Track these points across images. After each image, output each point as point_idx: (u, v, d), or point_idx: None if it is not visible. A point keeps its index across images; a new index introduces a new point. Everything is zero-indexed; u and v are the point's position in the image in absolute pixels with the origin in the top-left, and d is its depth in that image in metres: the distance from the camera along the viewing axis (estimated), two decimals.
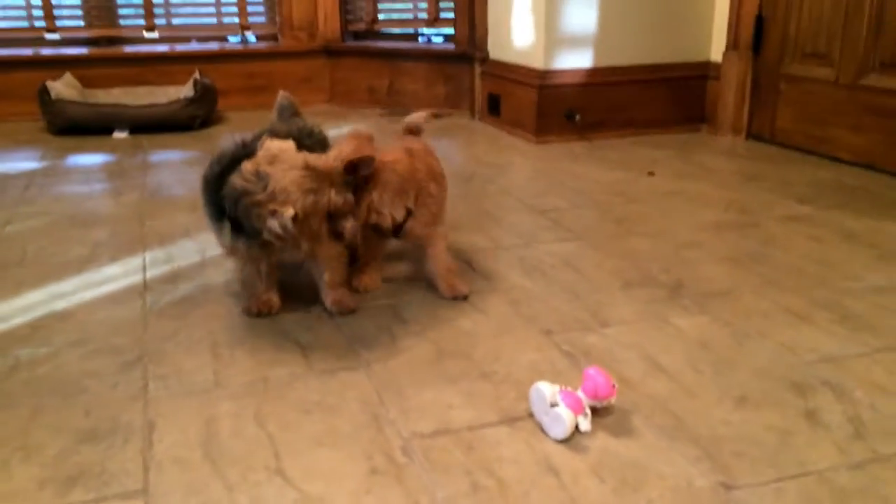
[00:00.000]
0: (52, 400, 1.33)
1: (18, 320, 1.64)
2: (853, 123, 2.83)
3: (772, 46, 3.15)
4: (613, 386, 1.26)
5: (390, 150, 1.65)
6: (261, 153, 1.46)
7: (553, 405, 1.22)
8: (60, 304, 1.72)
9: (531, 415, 1.26)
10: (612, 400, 1.27)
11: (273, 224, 1.39)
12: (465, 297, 1.71)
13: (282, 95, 1.94)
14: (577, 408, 1.22)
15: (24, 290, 1.80)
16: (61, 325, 1.62)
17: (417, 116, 1.91)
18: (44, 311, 1.68)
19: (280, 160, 1.44)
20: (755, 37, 3.19)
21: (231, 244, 1.53)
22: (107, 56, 3.97)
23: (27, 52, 3.89)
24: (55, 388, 1.37)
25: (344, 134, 1.61)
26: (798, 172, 2.78)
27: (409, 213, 1.64)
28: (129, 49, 4.04)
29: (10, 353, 1.50)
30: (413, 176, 1.64)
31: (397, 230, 1.66)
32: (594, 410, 1.25)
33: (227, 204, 1.47)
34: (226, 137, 1.57)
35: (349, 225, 1.51)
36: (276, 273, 1.68)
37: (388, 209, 1.60)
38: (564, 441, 1.20)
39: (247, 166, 1.44)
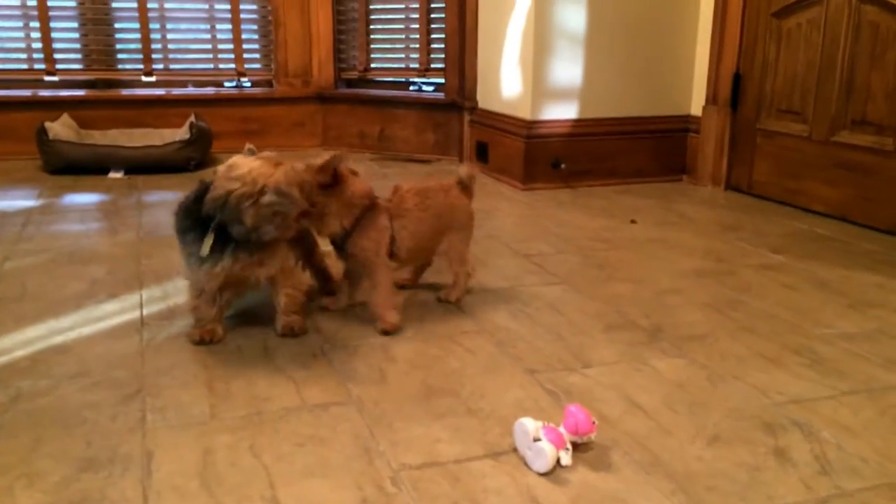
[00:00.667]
0: (53, 430, 1.38)
1: (19, 353, 1.69)
2: (826, 177, 2.95)
3: (749, 102, 3.28)
4: (593, 423, 1.33)
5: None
6: (219, 169, 1.65)
7: (536, 440, 1.28)
8: (60, 339, 1.77)
9: (515, 449, 1.32)
10: (593, 436, 1.33)
11: (269, 199, 1.56)
12: (387, 333, 1.81)
13: (247, 149, 1.93)
14: (558, 443, 1.28)
15: (24, 324, 1.85)
16: (61, 358, 1.67)
17: (468, 171, 2.02)
18: (44, 345, 1.73)
19: (236, 164, 1.63)
20: (733, 93, 3.33)
21: (208, 259, 1.64)
22: (104, 98, 4.06)
23: (26, 93, 3.98)
24: (56, 418, 1.42)
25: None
26: (774, 223, 2.89)
27: (345, 231, 1.80)
28: (126, 92, 4.13)
29: (11, 384, 1.54)
30: (364, 195, 1.82)
31: (342, 246, 1.83)
32: (575, 446, 1.32)
33: (215, 212, 1.60)
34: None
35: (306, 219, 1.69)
36: (225, 308, 1.79)
37: (331, 218, 1.78)
38: (546, 474, 1.26)
39: (217, 177, 1.62)
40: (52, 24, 4.00)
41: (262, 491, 1.21)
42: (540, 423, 1.30)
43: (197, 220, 1.66)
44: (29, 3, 3.95)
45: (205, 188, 1.66)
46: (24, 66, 4.03)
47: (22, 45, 4.01)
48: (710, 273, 2.31)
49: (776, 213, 3.04)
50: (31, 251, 2.42)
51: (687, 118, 3.57)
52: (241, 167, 1.61)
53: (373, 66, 4.34)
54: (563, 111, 3.41)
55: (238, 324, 1.88)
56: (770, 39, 3.15)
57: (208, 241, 1.63)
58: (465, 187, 2.01)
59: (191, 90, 4.25)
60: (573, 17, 3.32)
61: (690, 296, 2.11)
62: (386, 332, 1.80)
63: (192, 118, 3.88)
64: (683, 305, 2.04)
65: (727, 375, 1.63)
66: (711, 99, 3.43)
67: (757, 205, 3.17)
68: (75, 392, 1.52)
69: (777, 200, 3.17)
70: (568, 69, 3.37)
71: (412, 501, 1.19)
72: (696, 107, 3.53)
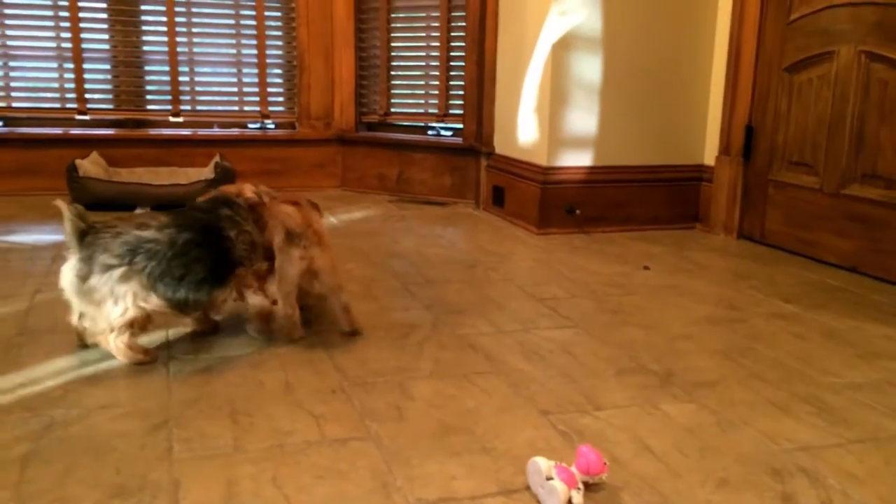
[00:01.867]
0: (84, 457, 1.44)
1: (51, 383, 1.76)
2: (837, 229, 3.00)
3: (761, 154, 3.36)
4: (605, 463, 1.37)
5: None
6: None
7: (548, 478, 1.32)
8: (90, 370, 1.84)
9: (528, 487, 1.37)
10: (604, 476, 1.37)
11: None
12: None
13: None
14: (570, 482, 1.33)
15: (56, 356, 1.92)
16: (91, 389, 1.74)
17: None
18: (75, 376, 1.80)
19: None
20: (745, 144, 3.41)
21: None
22: (133, 137, 4.19)
23: (58, 131, 4.11)
24: (87, 446, 1.48)
25: None
26: (785, 272, 2.93)
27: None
28: (154, 132, 4.27)
29: (44, 413, 1.61)
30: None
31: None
32: (586, 486, 1.36)
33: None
34: None
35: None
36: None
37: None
38: None
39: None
40: (85, 66, 4.15)
41: None
42: (552, 463, 1.35)
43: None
44: (63, 45, 4.10)
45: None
46: (57, 105, 4.18)
47: (55, 84, 4.16)
48: (721, 320, 2.36)
49: (788, 262, 3.09)
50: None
51: (700, 167, 3.65)
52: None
53: (393, 110, 4.46)
54: (579, 158, 3.49)
55: (259, 360, 1.94)
56: (782, 93, 3.24)
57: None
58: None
59: (216, 131, 4.38)
60: (589, 68, 3.42)
61: (702, 342, 2.16)
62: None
63: (217, 158, 3.99)
64: (695, 352, 2.09)
65: (737, 421, 1.67)
66: (724, 149, 3.51)
67: (769, 254, 3.21)
68: (105, 421, 1.58)
69: (789, 250, 3.22)
70: (583, 118, 3.46)
71: None
72: (710, 157, 3.61)
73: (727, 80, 3.47)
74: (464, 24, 4.05)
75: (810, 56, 3.10)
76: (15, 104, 4.11)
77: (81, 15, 4.09)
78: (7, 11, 4.00)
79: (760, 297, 2.60)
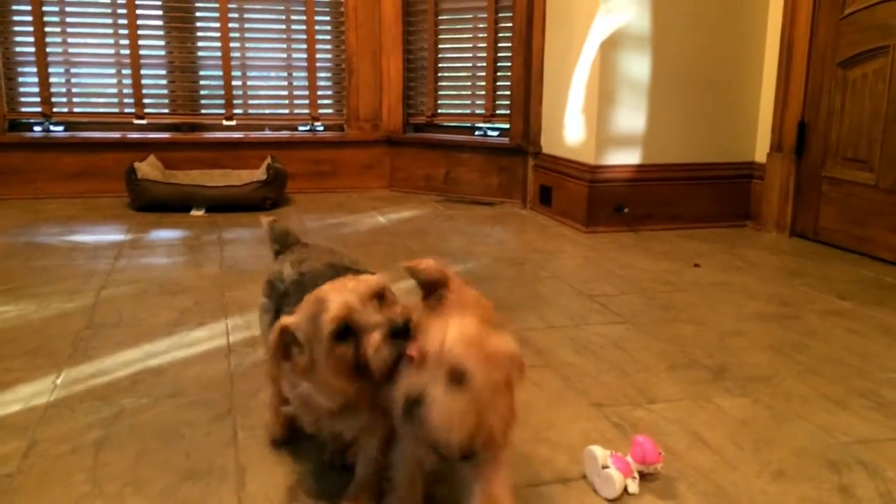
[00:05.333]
0: (154, 443, 1.50)
1: (120, 374, 1.83)
2: (893, 225, 2.95)
3: (814, 150, 3.31)
4: (660, 453, 1.38)
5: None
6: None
7: (604, 467, 1.34)
8: (156, 362, 1.91)
9: (584, 476, 1.39)
10: (659, 467, 1.39)
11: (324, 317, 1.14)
12: None
13: (270, 221, 1.61)
14: (626, 471, 1.34)
15: (123, 348, 1.99)
16: (157, 379, 1.81)
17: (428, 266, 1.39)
18: (141, 367, 1.87)
19: (338, 286, 1.19)
20: (798, 141, 3.36)
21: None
22: (188, 141, 4.31)
23: (116, 135, 4.25)
24: (157, 433, 1.54)
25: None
26: (839, 269, 2.89)
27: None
28: (208, 135, 4.38)
29: (115, 402, 1.68)
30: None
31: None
32: (642, 475, 1.37)
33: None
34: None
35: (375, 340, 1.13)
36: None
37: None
38: (614, 501, 1.32)
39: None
40: (143, 72, 4.28)
41: None
42: (608, 452, 1.36)
43: None
44: (122, 52, 4.24)
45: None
46: (116, 111, 4.31)
47: (114, 90, 4.30)
48: (774, 317, 2.34)
49: (842, 259, 3.04)
50: (124, 281, 2.59)
51: (751, 165, 3.61)
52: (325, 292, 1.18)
53: (440, 111, 4.50)
54: (627, 156, 3.49)
55: None
56: (835, 89, 3.19)
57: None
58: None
59: (267, 133, 4.48)
60: (637, 66, 3.41)
61: (754, 338, 2.15)
62: None
63: (269, 160, 4.08)
64: (747, 347, 2.08)
65: (792, 415, 1.67)
66: (776, 147, 3.47)
67: (823, 251, 3.17)
68: (172, 410, 1.64)
69: (843, 247, 3.17)
70: (632, 116, 3.46)
71: None
72: (761, 154, 3.57)
73: (779, 76, 3.43)
74: (510, 24, 4.07)
75: (865, 51, 3.05)
76: (76, 109, 4.26)
77: (139, 22, 4.23)
78: (69, 20, 4.15)
79: (814, 293, 2.58)
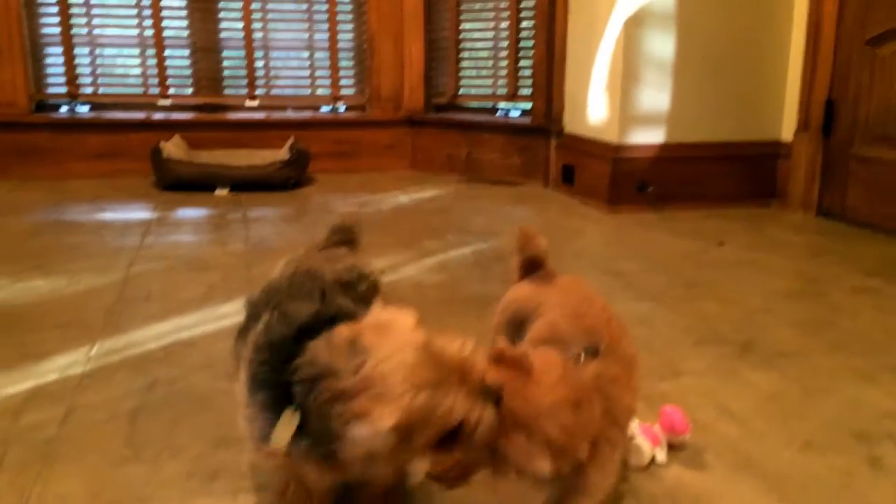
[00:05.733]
0: (188, 411, 1.53)
1: (152, 346, 1.86)
2: None
3: (842, 129, 3.27)
4: (688, 424, 1.39)
5: (549, 362, 1.01)
6: (365, 320, 1.00)
7: (632, 437, 1.35)
8: (187, 334, 1.94)
9: None
10: (687, 437, 1.39)
11: (358, 433, 0.90)
12: None
13: (346, 215, 1.51)
14: (654, 440, 1.35)
15: (154, 321, 2.03)
16: (189, 351, 1.83)
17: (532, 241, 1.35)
18: (172, 339, 1.90)
19: (389, 331, 0.97)
20: (826, 119, 3.33)
21: (285, 447, 0.97)
22: (212, 121, 4.33)
23: (141, 115, 4.28)
24: (190, 402, 1.57)
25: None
26: (867, 248, 2.87)
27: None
28: (231, 115, 4.40)
29: (149, 372, 1.71)
30: (587, 423, 0.99)
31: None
32: (669, 445, 1.38)
33: (298, 385, 0.96)
34: (279, 281, 1.23)
35: (464, 462, 0.99)
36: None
37: (533, 466, 0.95)
38: (642, 469, 1.33)
39: (341, 333, 0.97)
40: (167, 52, 4.31)
41: None
42: (636, 422, 1.37)
43: (275, 375, 1.00)
44: (146, 33, 4.26)
45: (300, 328, 1.02)
46: (140, 91, 4.35)
47: (138, 70, 4.33)
48: (801, 294, 2.33)
49: (870, 238, 3.01)
50: (152, 258, 2.63)
51: (777, 144, 3.58)
52: (379, 347, 0.93)
53: (461, 91, 4.50)
54: (651, 135, 3.47)
55: None
56: (864, 67, 3.15)
57: (287, 424, 0.97)
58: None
59: (289, 114, 4.49)
60: (662, 44, 3.39)
61: (781, 315, 2.14)
62: None
63: (292, 140, 4.10)
64: (774, 324, 2.07)
65: (820, 389, 1.66)
66: (803, 125, 3.44)
67: (850, 230, 3.14)
68: (205, 380, 1.67)
69: (871, 226, 3.14)
70: (656, 94, 3.43)
71: None
72: (787, 132, 3.53)
73: (806, 53, 3.39)
74: (533, 2, 4.05)
75: (894, 28, 3.00)
76: (101, 90, 4.29)
77: (163, 3, 4.25)
78: (93, 1, 4.17)
79: (841, 271, 2.56)
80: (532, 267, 1.38)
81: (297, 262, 1.30)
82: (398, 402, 0.89)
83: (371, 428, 0.88)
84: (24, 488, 1.26)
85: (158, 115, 4.30)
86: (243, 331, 1.17)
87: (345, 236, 1.45)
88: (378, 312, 1.01)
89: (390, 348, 0.93)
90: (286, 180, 3.89)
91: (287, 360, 0.98)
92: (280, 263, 1.33)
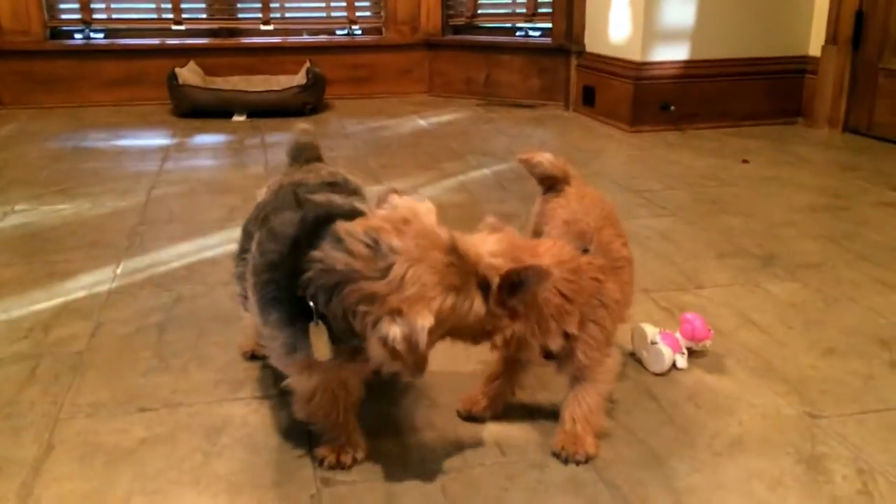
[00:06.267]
0: (213, 325, 1.56)
1: (176, 264, 1.88)
2: None
3: (872, 41, 3.17)
4: (709, 330, 1.39)
5: (550, 245, 1.13)
6: (385, 212, 0.98)
7: (653, 343, 1.36)
8: (209, 253, 1.96)
9: (631, 353, 1.41)
10: (708, 343, 1.40)
11: (391, 332, 0.90)
12: (578, 462, 1.14)
13: (301, 130, 1.47)
14: (675, 347, 1.36)
15: (176, 241, 2.05)
16: (212, 269, 1.86)
17: (549, 161, 1.36)
18: (195, 258, 1.93)
19: (414, 230, 0.94)
20: (855, 32, 3.22)
21: (328, 356, 0.98)
22: (226, 46, 4.28)
23: (155, 41, 4.23)
24: (214, 316, 1.60)
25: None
26: (894, 163, 2.81)
27: (567, 337, 1.12)
28: (246, 40, 4.34)
29: (174, 289, 1.74)
30: (581, 290, 1.10)
31: (548, 354, 1.14)
32: (690, 352, 1.39)
33: (316, 292, 0.94)
34: (265, 195, 1.31)
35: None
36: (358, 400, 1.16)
37: (539, 339, 1.09)
38: (662, 375, 1.34)
39: (357, 229, 0.94)
40: None
41: None
42: (657, 329, 1.38)
43: (283, 293, 0.99)
44: None
45: (293, 244, 0.99)
46: (154, 16, 4.29)
47: None
48: (825, 208, 2.30)
49: None
50: (172, 182, 2.64)
51: (804, 59, 3.48)
52: (409, 248, 0.92)
53: (480, 11, 4.39)
54: (674, 52, 3.38)
55: None
56: None
57: (323, 336, 0.97)
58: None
59: (305, 38, 4.42)
60: None
61: (804, 228, 2.12)
62: (578, 463, 1.14)
63: (308, 64, 4.05)
64: (797, 237, 2.05)
65: (842, 298, 1.66)
66: (831, 39, 3.33)
67: (877, 146, 3.08)
68: (227, 296, 1.69)
69: None
70: (679, 10, 3.33)
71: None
72: (815, 47, 3.43)
73: None
74: None
75: None
76: (115, 16, 4.24)
77: None
78: None
79: (867, 186, 2.52)
80: (548, 183, 1.37)
81: (281, 180, 1.33)
82: (433, 303, 0.92)
83: (408, 327, 0.90)
84: (57, 396, 1.30)
85: (173, 41, 4.25)
86: (241, 252, 1.21)
87: (311, 153, 1.45)
88: (396, 202, 1.00)
89: (419, 250, 0.92)
90: (303, 105, 3.85)
91: (292, 274, 0.96)
92: (265, 186, 1.36)
